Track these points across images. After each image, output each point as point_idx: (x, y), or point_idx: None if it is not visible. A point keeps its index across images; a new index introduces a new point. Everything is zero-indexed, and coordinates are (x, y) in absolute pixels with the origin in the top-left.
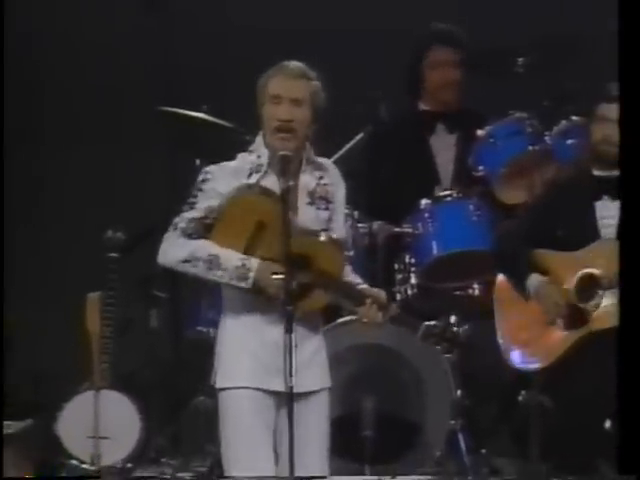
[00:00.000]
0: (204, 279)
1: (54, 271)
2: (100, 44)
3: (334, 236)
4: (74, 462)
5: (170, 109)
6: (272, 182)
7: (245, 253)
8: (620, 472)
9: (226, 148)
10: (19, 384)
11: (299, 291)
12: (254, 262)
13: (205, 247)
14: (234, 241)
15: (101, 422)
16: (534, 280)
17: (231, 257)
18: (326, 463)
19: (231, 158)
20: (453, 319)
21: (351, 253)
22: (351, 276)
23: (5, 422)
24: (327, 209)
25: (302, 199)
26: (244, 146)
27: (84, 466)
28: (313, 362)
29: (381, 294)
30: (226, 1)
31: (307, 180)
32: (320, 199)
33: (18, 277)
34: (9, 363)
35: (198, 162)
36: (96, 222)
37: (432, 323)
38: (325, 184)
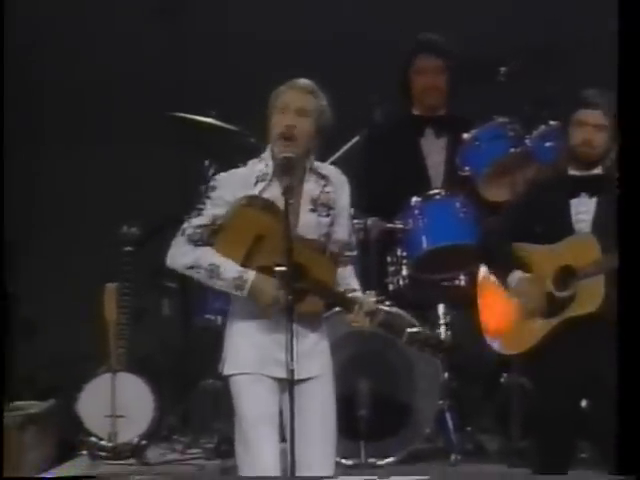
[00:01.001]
0: (206, 284)
1: (75, 264)
2: (116, 52)
3: (338, 238)
4: (93, 439)
5: (181, 114)
6: (276, 191)
7: (244, 261)
8: (620, 472)
9: (232, 149)
10: (42, 367)
11: (296, 296)
12: (251, 274)
13: (207, 256)
14: (234, 250)
15: (117, 402)
16: (515, 277)
17: (230, 268)
18: (333, 447)
19: (236, 159)
20: (441, 308)
21: (354, 253)
22: (350, 278)
23: (29, 402)
24: (328, 215)
25: (305, 206)
26: (248, 148)
27: (102, 443)
28: (314, 351)
29: (369, 302)
30: (229, 14)
31: (311, 188)
32: (322, 206)
33: (42, 269)
34: (33, 348)
35: (207, 162)
36: (113, 219)
37: (415, 330)
38: (328, 192)
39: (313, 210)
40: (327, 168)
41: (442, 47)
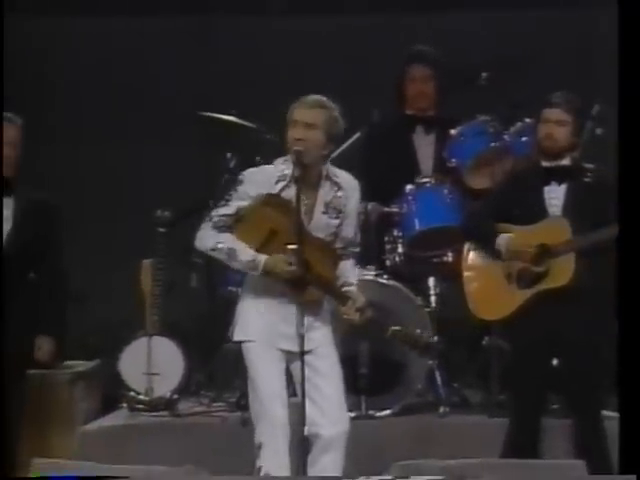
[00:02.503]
0: (226, 264)
1: (116, 243)
2: (154, 61)
3: (344, 236)
4: (132, 393)
5: (208, 114)
6: (291, 192)
7: (258, 250)
8: (620, 472)
9: (250, 144)
10: (89, 332)
11: (299, 287)
12: (262, 257)
13: (227, 241)
14: (251, 240)
15: (153, 362)
16: (502, 238)
17: (245, 252)
18: (344, 404)
19: (255, 152)
20: (432, 281)
21: (357, 249)
22: (349, 272)
23: (78, 362)
24: (337, 218)
25: (318, 208)
26: (264, 142)
27: (139, 397)
28: (316, 324)
29: (360, 299)
30: (244, 32)
31: (324, 193)
32: (333, 209)
33: (91, 249)
34: (82, 315)
35: (228, 155)
36: (149, 204)
37: (398, 328)
38: (340, 196)
39: (325, 212)
40: (341, 175)
41: (431, 58)
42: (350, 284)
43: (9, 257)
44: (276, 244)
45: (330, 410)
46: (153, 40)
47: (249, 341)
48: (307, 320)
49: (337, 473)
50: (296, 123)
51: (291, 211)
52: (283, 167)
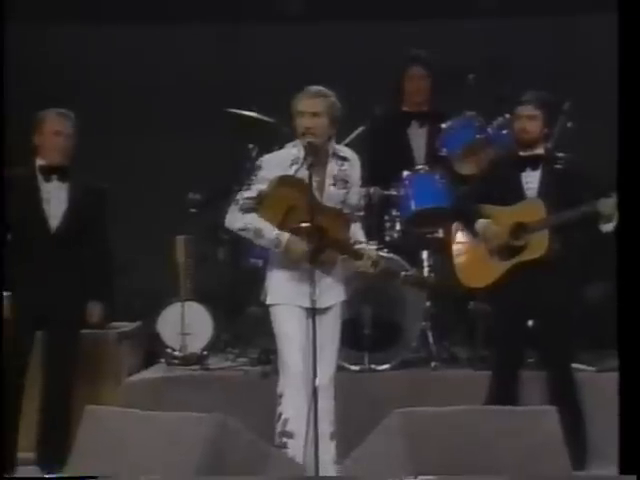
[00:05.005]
0: (252, 241)
1: (154, 222)
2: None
3: (351, 203)
4: (168, 350)
5: (233, 110)
6: (304, 171)
7: (281, 225)
8: (620, 472)
9: (268, 135)
10: (132, 298)
11: (318, 250)
12: (285, 236)
13: (254, 221)
14: (273, 216)
15: (186, 323)
16: (480, 223)
17: (270, 231)
18: (335, 356)
19: (272, 143)
20: (425, 254)
21: (362, 213)
22: (358, 232)
23: (122, 323)
24: (345, 188)
25: (328, 182)
26: (282, 135)
27: (175, 353)
28: (332, 286)
29: (373, 253)
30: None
31: (332, 167)
32: (341, 181)
33: (133, 226)
34: (126, 284)
35: (250, 146)
36: (182, 188)
37: (409, 273)
38: (345, 169)
39: (334, 185)
40: (344, 150)
41: (426, 60)
42: (361, 242)
43: (65, 234)
44: (295, 218)
45: (325, 363)
46: (188, 47)
47: (278, 304)
48: (325, 282)
49: (328, 418)
50: (303, 113)
51: (305, 188)
52: (294, 151)
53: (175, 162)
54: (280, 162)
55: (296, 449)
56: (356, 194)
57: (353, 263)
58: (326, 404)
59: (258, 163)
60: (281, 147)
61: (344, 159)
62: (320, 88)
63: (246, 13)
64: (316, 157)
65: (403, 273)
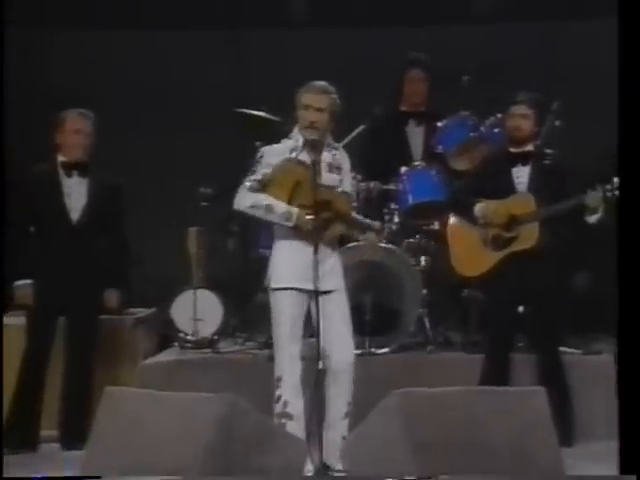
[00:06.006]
0: (263, 219)
1: (168, 214)
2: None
3: (345, 189)
4: (181, 334)
5: (243, 110)
6: (304, 157)
7: (288, 201)
8: (620, 472)
9: (275, 133)
10: (147, 286)
11: (323, 224)
12: (295, 210)
13: (263, 199)
14: (282, 193)
15: (198, 309)
16: (478, 207)
17: (280, 205)
18: (352, 338)
19: (278, 140)
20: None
21: (355, 204)
22: (357, 217)
23: (138, 309)
24: (339, 174)
25: (324, 168)
26: (286, 133)
27: (188, 337)
28: (333, 271)
29: (376, 223)
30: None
31: (327, 156)
32: (335, 168)
33: (148, 218)
34: (141, 272)
35: (258, 143)
36: (194, 182)
37: (411, 240)
38: (337, 158)
39: (329, 171)
40: (335, 144)
41: (425, 63)
42: (362, 219)
43: (84, 226)
44: (302, 193)
45: (341, 348)
46: (201, 52)
47: (279, 288)
48: (328, 265)
49: (345, 399)
50: (308, 107)
51: (308, 168)
52: (292, 143)
53: (187, 159)
54: (280, 151)
55: (296, 431)
56: (349, 182)
57: (358, 236)
58: (342, 387)
59: (259, 154)
60: (278, 142)
61: (335, 148)
62: (325, 84)
63: (255, 20)
64: (314, 147)
65: (406, 240)
